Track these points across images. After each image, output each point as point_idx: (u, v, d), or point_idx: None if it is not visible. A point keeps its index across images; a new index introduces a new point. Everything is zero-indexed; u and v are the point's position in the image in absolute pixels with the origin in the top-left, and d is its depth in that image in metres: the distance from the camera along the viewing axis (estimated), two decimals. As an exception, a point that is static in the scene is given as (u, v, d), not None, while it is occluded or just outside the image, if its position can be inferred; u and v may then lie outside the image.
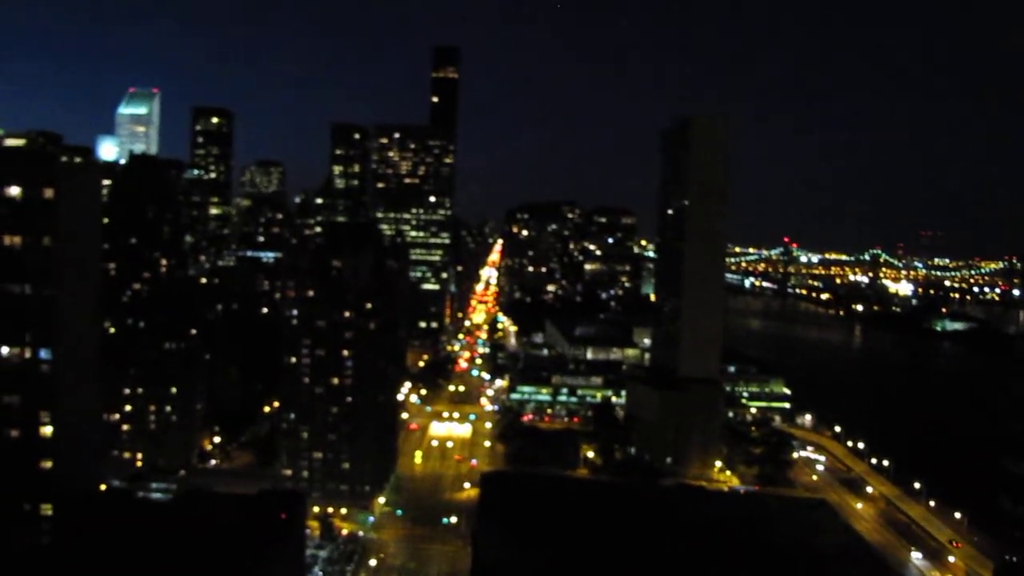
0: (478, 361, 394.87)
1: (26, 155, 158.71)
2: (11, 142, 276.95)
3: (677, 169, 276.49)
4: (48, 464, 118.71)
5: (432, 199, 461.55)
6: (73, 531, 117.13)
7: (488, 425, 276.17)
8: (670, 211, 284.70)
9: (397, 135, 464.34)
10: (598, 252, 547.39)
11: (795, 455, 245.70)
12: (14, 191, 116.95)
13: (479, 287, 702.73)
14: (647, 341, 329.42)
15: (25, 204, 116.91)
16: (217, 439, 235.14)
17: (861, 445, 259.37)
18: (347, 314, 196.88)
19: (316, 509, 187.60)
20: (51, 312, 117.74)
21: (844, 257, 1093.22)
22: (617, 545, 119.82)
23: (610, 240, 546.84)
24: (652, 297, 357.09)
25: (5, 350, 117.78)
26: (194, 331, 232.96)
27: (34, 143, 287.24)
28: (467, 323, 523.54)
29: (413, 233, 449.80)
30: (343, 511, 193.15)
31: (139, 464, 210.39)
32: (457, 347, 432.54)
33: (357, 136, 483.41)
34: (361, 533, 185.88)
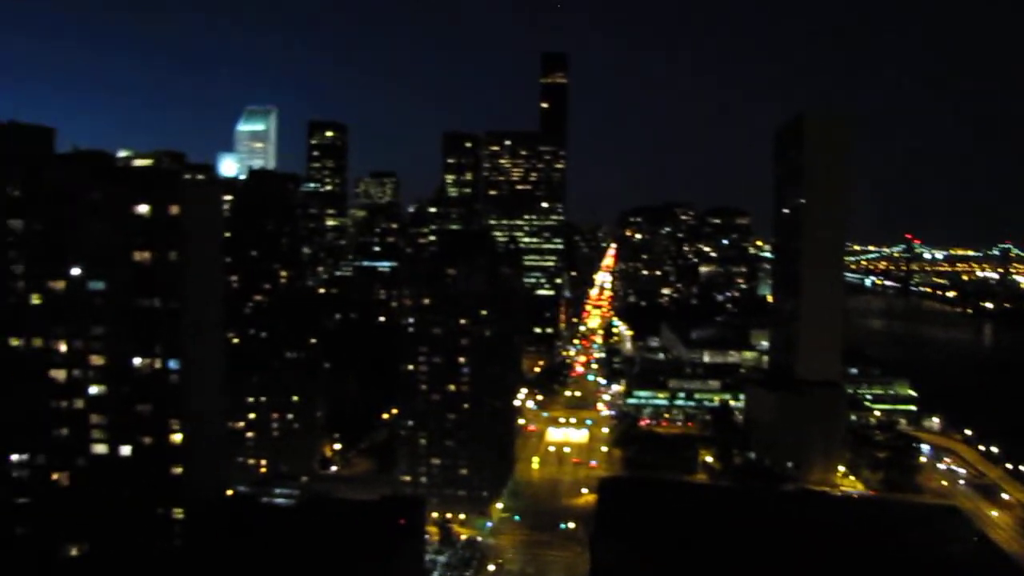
0: (594, 366, 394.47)
1: (153, 174, 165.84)
2: (139, 162, 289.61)
3: (792, 167, 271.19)
4: (178, 470, 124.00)
5: (544, 205, 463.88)
6: (202, 534, 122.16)
7: (605, 430, 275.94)
8: (786, 210, 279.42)
9: (508, 142, 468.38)
10: (713, 254, 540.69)
11: (922, 459, 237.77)
12: (143, 209, 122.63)
13: (593, 292, 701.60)
14: (765, 343, 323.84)
15: (153, 221, 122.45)
16: (337, 446, 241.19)
17: (995, 449, 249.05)
18: (462, 321, 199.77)
19: (435, 515, 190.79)
20: (178, 324, 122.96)
21: (971, 253, 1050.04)
22: (738, 552, 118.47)
23: (725, 241, 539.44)
24: (769, 298, 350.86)
25: (137, 361, 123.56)
26: (314, 340, 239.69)
27: (160, 162, 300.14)
28: (582, 328, 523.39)
29: (526, 239, 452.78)
30: (461, 517, 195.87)
31: (263, 470, 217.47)
32: (573, 352, 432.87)
33: (468, 144, 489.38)
34: (479, 538, 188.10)
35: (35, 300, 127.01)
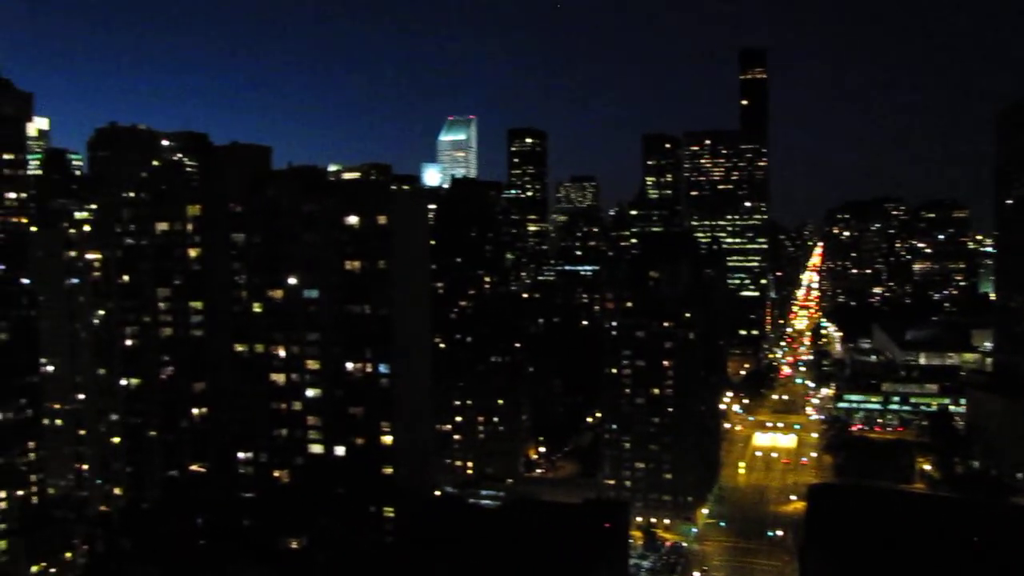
0: (802, 369, 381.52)
1: (362, 187, 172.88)
2: (348, 175, 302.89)
3: (1017, 154, 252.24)
4: (389, 470, 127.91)
5: (747, 204, 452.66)
6: (412, 533, 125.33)
7: (814, 435, 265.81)
8: (1010, 200, 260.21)
9: (708, 142, 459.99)
10: (928, 250, 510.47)
11: None
12: (353, 220, 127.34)
13: (800, 292, 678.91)
14: (988, 344, 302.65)
15: (363, 231, 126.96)
16: (542, 449, 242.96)
17: None
18: (666, 324, 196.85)
19: (639, 519, 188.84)
20: (388, 329, 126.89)
21: None
22: (961, 570, 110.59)
23: (940, 236, 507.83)
24: (992, 296, 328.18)
25: (350, 365, 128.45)
26: (518, 344, 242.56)
27: (367, 175, 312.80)
28: (788, 329, 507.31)
29: (729, 240, 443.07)
30: (666, 521, 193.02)
31: (470, 472, 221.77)
32: (779, 354, 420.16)
33: (668, 145, 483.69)
34: (684, 544, 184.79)
35: (256, 308, 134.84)
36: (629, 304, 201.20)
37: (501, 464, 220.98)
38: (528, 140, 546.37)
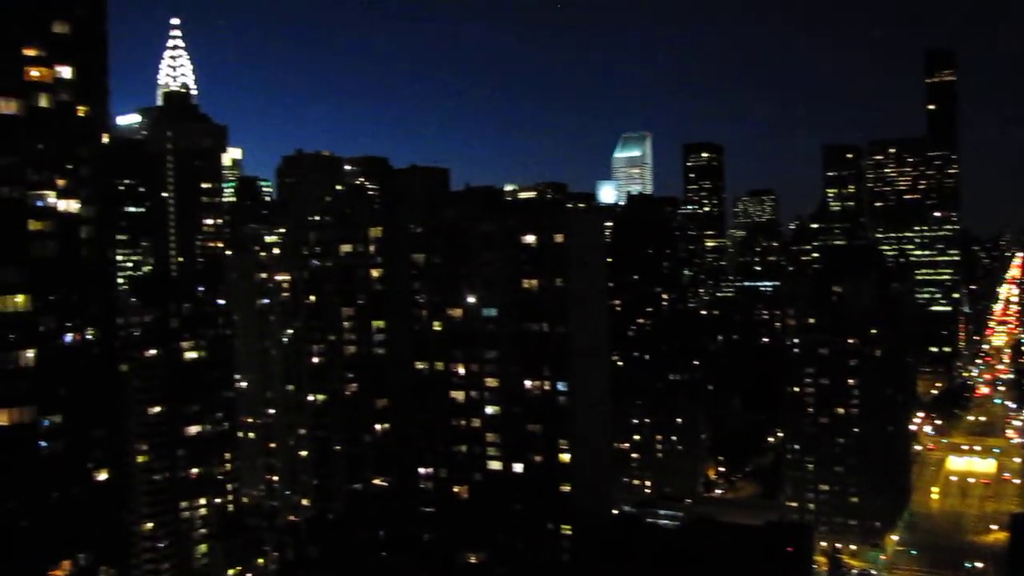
0: (1000, 388, 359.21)
1: (538, 206, 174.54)
2: (524, 195, 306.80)
3: None
4: (567, 487, 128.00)
5: (936, 214, 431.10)
6: (589, 552, 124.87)
7: (1016, 460, 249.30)
8: None
9: (892, 150, 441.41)
10: None
11: None
12: (530, 239, 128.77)
13: (997, 307, 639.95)
14: None
15: (540, 250, 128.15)
16: (721, 468, 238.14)
17: None
18: (850, 341, 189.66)
19: (823, 544, 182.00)
20: (566, 347, 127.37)
21: None
22: None
23: None
24: None
25: (528, 383, 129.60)
26: (696, 362, 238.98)
27: (543, 194, 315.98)
28: (985, 347, 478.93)
29: (917, 252, 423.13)
30: (852, 547, 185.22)
31: (647, 491, 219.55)
32: (974, 373, 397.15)
33: (850, 156, 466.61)
34: (872, 572, 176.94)
35: (436, 327, 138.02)
36: (811, 320, 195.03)
37: (680, 483, 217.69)
38: (704, 154, 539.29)
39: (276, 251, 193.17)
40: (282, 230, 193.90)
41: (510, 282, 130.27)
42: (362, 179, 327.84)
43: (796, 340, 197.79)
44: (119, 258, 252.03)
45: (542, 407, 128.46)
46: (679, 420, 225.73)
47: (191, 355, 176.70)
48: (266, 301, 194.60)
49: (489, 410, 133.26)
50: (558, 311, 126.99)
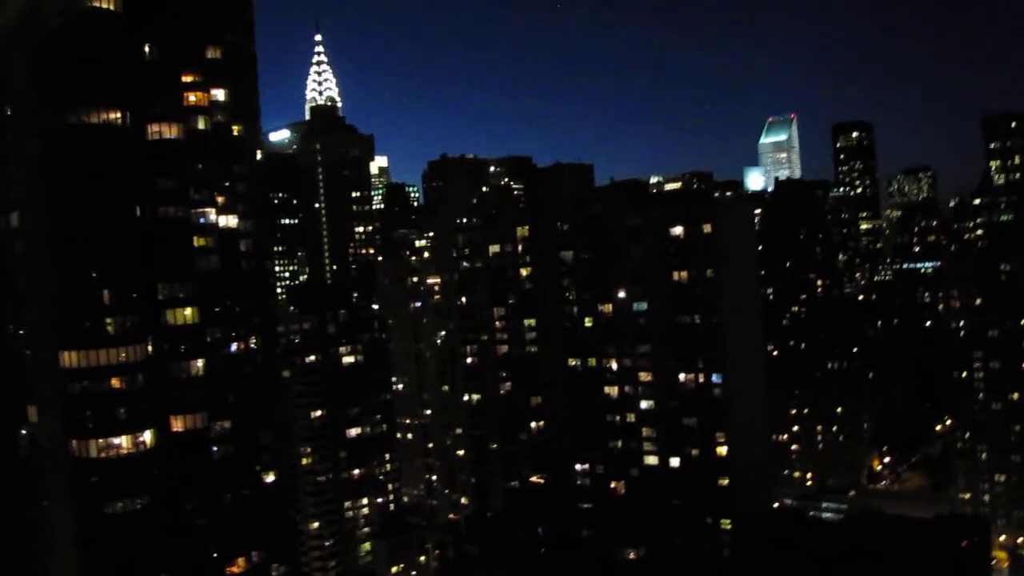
0: None
1: (685, 196, 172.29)
2: (670, 186, 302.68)
3: None
4: (725, 482, 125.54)
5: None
6: (750, 546, 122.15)
7: None
8: None
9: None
10: None
11: None
12: (678, 230, 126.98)
13: None
14: None
15: (688, 241, 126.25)
16: (886, 459, 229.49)
17: None
18: (1022, 322, 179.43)
19: (1002, 538, 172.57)
20: (719, 339, 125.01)
21: None
22: None
23: None
24: None
25: (681, 376, 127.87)
26: (856, 349, 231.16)
27: (689, 184, 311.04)
28: None
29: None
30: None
31: (809, 483, 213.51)
32: None
33: (1014, 124, 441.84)
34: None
35: (587, 323, 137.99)
36: (978, 301, 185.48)
37: (843, 475, 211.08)
38: (854, 134, 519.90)
39: (426, 255, 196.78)
40: (431, 234, 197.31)
41: (660, 275, 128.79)
42: (507, 179, 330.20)
43: (962, 323, 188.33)
44: (276, 269, 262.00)
45: (697, 400, 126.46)
46: (840, 410, 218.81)
47: (349, 360, 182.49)
48: (418, 304, 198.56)
49: (644, 404, 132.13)
50: (709, 302, 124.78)
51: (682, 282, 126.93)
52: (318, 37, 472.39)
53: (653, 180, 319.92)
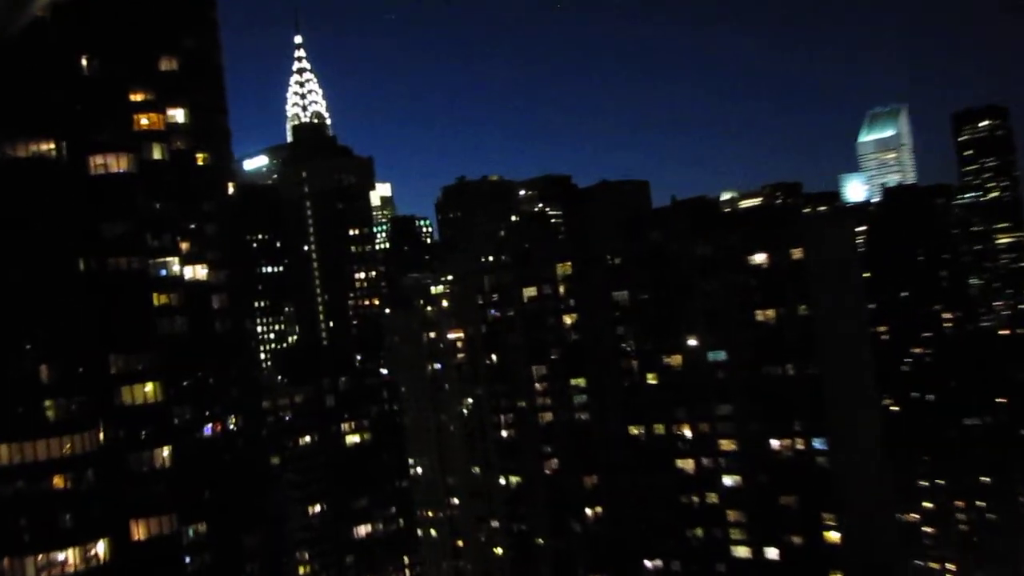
0: None
1: (766, 215, 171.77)
2: (747, 203, 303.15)
3: None
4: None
5: None
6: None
7: None
8: None
9: None
10: None
11: None
12: (759, 258, 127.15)
13: None
14: None
15: (772, 271, 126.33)
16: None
17: None
18: None
19: None
20: (819, 393, 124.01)
21: None
22: None
23: None
24: None
25: (774, 442, 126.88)
26: (1002, 399, 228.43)
27: (771, 199, 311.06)
28: None
29: None
30: None
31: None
32: None
33: None
34: None
35: (651, 380, 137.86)
36: None
37: (996, 565, 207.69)
38: (982, 123, 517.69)
39: (445, 304, 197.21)
40: (450, 277, 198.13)
41: (739, 316, 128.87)
42: (541, 205, 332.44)
43: None
44: (259, 329, 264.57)
45: (796, 472, 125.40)
46: (986, 479, 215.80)
47: (353, 440, 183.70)
48: (438, 366, 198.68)
49: (728, 481, 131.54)
50: (805, 347, 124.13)
51: (768, 323, 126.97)
52: (298, 39, 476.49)
53: (725, 196, 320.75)
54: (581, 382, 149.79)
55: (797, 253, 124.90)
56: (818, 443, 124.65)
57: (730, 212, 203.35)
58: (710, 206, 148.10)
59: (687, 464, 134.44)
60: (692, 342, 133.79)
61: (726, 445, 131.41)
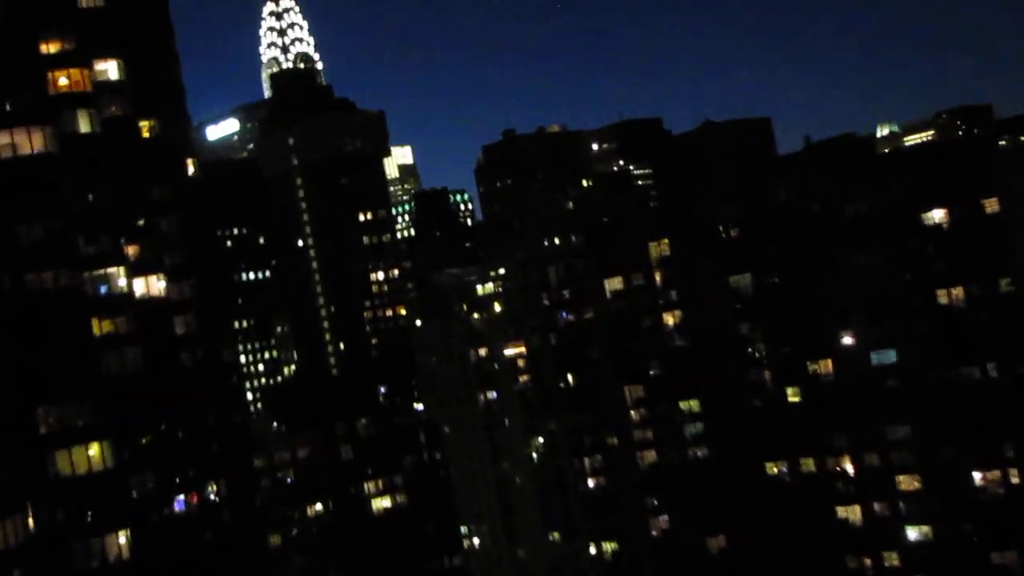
0: None
1: (943, 154, 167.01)
2: (912, 139, 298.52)
3: None
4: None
5: None
6: None
7: None
8: None
9: None
10: None
11: None
12: (937, 215, 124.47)
13: None
14: None
15: (958, 232, 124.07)
16: None
17: None
18: None
19: None
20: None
21: None
22: None
23: None
24: None
25: (978, 476, 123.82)
26: None
27: (948, 130, 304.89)
28: None
29: None
30: None
31: None
32: None
33: None
34: None
35: (792, 397, 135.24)
36: None
37: None
38: None
39: (497, 307, 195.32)
40: (501, 271, 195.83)
41: (913, 298, 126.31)
42: (620, 162, 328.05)
43: None
44: (243, 359, 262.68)
45: (1012, 517, 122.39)
46: None
47: (382, 503, 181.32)
48: (493, 394, 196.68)
49: (912, 533, 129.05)
50: (1012, 338, 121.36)
51: (956, 307, 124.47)
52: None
53: (883, 132, 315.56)
54: (693, 405, 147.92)
55: (992, 205, 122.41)
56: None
57: (891, 153, 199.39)
58: (862, 146, 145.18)
59: (852, 512, 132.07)
60: (847, 340, 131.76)
61: (906, 482, 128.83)
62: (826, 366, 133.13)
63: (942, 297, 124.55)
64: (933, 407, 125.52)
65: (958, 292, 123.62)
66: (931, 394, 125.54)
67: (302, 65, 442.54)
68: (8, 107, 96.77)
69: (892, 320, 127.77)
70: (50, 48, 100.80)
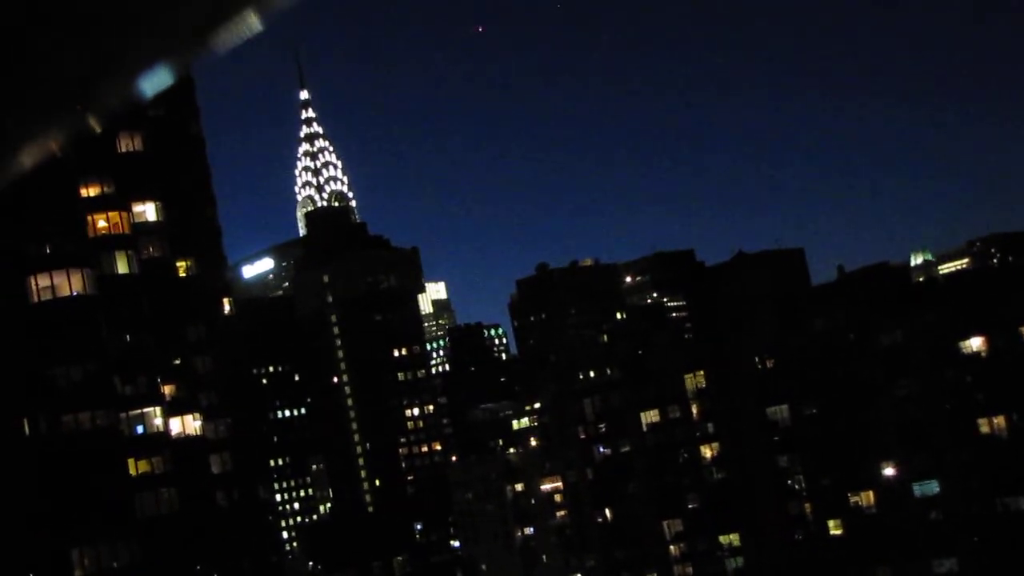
0: None
1: (978, 282, 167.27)
2: (948, 267, 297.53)
3: None
4: None
5: None
6: None
7: None
8: None
9: None
10: None
11: None
12: (975, 344, 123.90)
13: None
14: None
15: (996, 361, 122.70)
16: None
17: None
18: None
19: None
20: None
21: None
22: None
23: None
24: None
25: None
26: None
27: (983, 259, 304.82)
28: None
29: None
30: None
31: None
32: None
33: None
34: None
35: (834, 529, 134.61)
36: None
37: None
38: None
39: (533, 442, 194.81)
40: (537, 405, 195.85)
41: (954, 428, 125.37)
42: (654, 294, 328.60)
43: None
44: (279, 497, 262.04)
45: None
46: None
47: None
48: (530, 530, 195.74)
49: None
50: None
51: (998, 436, 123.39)
52: (304, 95, 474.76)
53: (916, 261, 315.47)
54: (734, 539, 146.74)
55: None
56: None
57: (926, 281, 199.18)
58: (896, 275, 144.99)
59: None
60: (888, 471, 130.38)
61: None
62: (868, 498, 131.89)
63: (984, 426, 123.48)
64: (978, 539, 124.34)
65: (1000, 421, 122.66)
66: (976, 526, 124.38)
67: (336, 203, 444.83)
68: (48, 249, 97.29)
69: (933, 450, 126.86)
70: (90, 191, 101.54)
